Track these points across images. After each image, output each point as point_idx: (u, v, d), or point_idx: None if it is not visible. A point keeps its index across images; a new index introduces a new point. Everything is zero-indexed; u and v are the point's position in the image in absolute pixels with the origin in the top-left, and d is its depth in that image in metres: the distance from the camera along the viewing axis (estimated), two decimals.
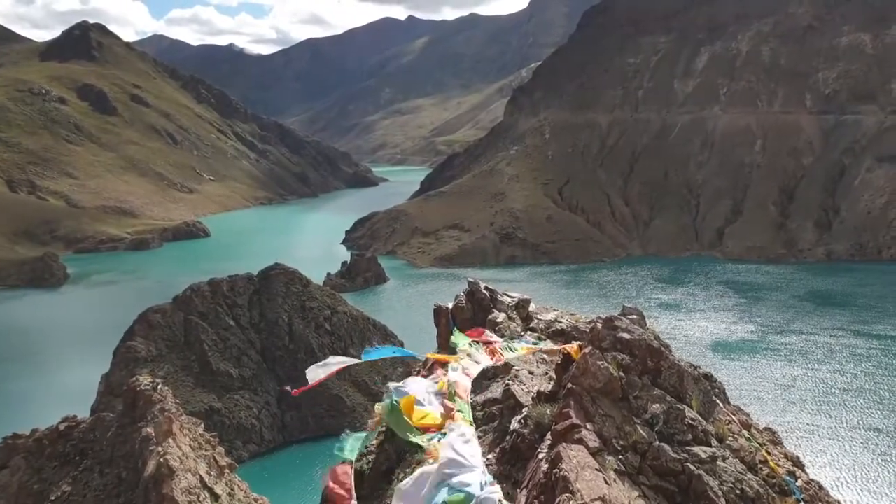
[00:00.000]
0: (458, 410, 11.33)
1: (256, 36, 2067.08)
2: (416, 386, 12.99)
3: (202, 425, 41.07)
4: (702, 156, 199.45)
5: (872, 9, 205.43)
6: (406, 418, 11.77)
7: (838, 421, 77.20)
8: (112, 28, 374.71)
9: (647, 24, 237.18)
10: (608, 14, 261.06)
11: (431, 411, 12.00)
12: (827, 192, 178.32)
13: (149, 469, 33.38)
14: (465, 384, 12.66)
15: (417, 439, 11.45)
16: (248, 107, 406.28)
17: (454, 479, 9.11)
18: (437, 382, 13.32)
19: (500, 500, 8.34)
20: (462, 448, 9.55)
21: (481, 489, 8.65)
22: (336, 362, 13.90)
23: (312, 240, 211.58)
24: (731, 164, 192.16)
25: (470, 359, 14.33)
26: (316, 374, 13.74)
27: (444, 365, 14.81)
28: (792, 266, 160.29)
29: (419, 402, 12.30)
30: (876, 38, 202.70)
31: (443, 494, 9.02)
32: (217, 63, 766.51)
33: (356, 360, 14.75)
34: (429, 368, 16.68)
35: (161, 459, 33.43)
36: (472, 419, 11.38)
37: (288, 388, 79.85)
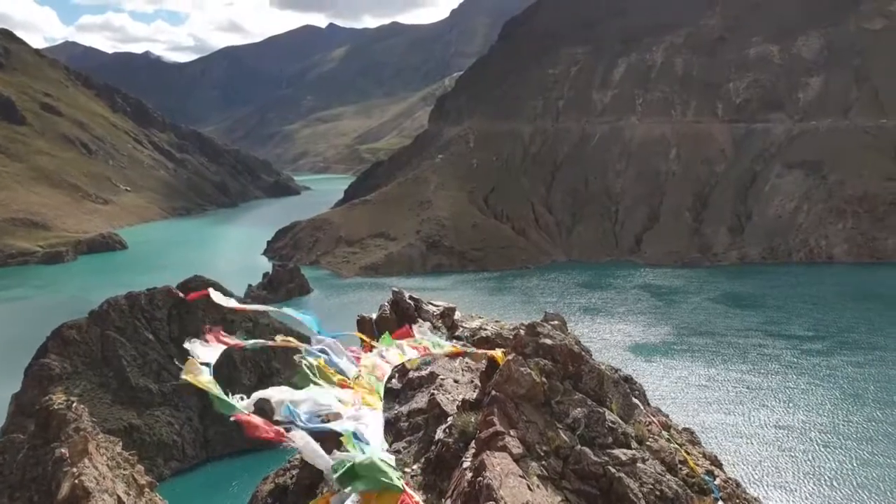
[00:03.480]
0: (373, 390, 11.26)
1: (173, 43, 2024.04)
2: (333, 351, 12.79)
3: (120, 443, 39.78)
4: (620, 164, 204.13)
5: (780, 21, 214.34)
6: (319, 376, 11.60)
7: (751, 419, 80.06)
8: (19, 34, 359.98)
9: (566, 36, 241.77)
10: (528, 25, 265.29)
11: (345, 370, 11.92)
12: (739, 198, 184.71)
13: (63, 491, 32.09)
14: (383, 367, 12.60)
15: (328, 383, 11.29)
16: (166, 115, 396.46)
17: (360, 428, 9.11)
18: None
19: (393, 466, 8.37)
20: (369, 419, 9.57)
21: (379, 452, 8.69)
22: (250, 305, 13.46)
23: (233, 251, 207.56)
24: (648, 172, 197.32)
25: (396, 349, 14.29)
26: (219, 298, 13.25)
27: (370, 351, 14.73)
28: (707, 270, 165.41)
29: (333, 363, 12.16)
30: (783, 50, 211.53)
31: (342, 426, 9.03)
32: (133, 71, 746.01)
33: (268, 308, 14.18)
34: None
35: (76, 481, 32.19)
36: (382, 396, 11.38)
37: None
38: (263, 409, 10.70)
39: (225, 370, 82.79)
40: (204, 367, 10.21)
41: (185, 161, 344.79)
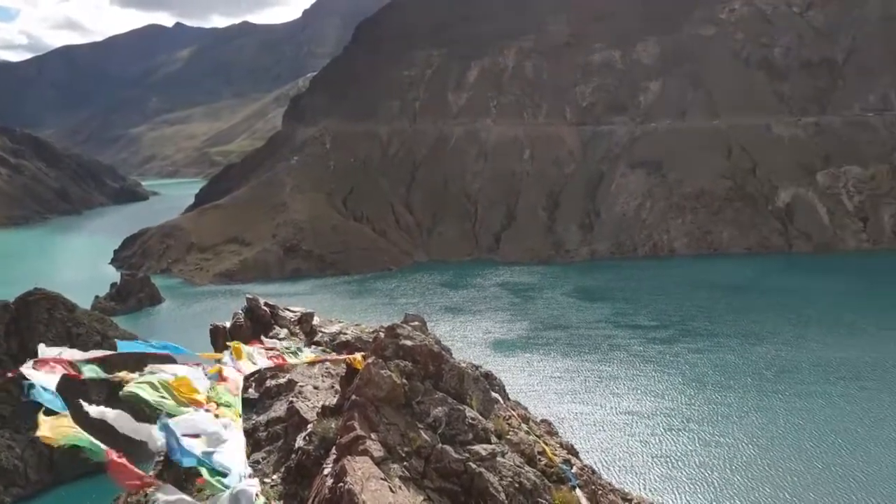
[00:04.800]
0: (224, 403, 10.95)
1: (3, 41, 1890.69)
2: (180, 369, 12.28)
3: None
4: (477, 165, 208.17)
5: (621, 28, 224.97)
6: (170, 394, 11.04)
7: (603, 407, 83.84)
8: None
9: (420, 39, 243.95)
10: (381, 27, 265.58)
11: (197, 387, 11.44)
12: (588, 197, 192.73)
13: None
14: (235, 378, 12.27)
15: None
16: None
17: (216, 457, 8.88)
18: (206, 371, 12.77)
19: (257, 494, 8.24)
20: (226, 439, 9.34)
21: (239, 480, 8.50)
22: (81, 355, 12.30)
23: (77, 261, 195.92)
24: (504, 172, 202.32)
25: (248, 360, 13.98)
26: (46, 354, 12.34)
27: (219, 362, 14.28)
28: (561, 266, 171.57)
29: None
30: (624, 55, 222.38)
31: (195, 461, 8.81)
32: None
33: (104, 353, 13.25)
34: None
35: None
36: (240, 411, 11.09)
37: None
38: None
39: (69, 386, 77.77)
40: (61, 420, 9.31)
41: (20, 167, 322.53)
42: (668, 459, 69.78)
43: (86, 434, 9.02)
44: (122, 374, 12.06)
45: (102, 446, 8.85)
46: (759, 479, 64.97)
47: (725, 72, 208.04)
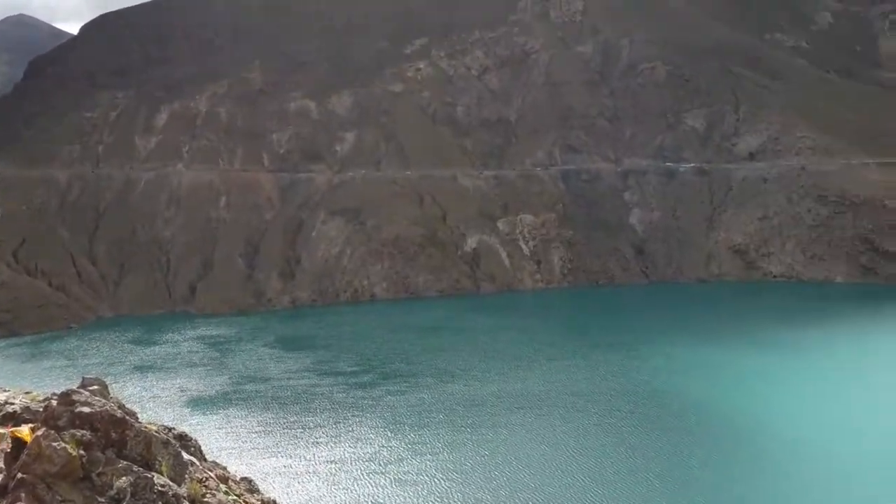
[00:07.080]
0: None
1: None
2: None
3: None
4: (169, 212, 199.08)
5: (315, 79, 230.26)
6: None
7: (306, 458, 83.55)
8: None
9: (103, 79, 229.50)
10: (59, 65, 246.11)
11: None
12: (288, 244, 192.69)
13: None
14: None
15: None
16: None
17: None
18: None
19: None
20: None
21: None
22: None
23: None
24: (199, 219, 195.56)
25: None
26: None
27: None
28: (262, 315, 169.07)
29: None
30: (320, 105, 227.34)
31: None
32: None
33: None
34: None
35: None
36: None
37: None
38: None
39: None
40: None
41: None
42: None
43: None
44: None
45: None
46: None
47: (415, 126, 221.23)
